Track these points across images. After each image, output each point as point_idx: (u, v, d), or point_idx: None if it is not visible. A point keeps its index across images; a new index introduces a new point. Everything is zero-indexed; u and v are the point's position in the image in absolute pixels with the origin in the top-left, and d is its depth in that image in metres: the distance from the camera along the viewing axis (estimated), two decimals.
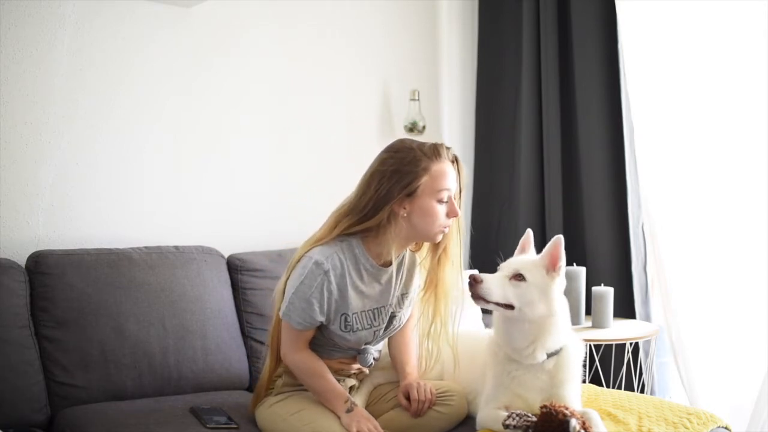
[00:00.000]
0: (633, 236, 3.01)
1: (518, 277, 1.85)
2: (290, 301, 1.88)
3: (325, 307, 1.88)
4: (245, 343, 2.52)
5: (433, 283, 1.98)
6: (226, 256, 2.62)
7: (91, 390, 2.19)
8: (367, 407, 2.04)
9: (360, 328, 1.94)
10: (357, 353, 2.01)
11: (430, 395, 1.96)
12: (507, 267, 1.89)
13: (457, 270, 1.96)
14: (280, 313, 1.92)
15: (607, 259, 3.05)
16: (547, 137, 3.20)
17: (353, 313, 1.92)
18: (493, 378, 1.95)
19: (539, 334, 1.86)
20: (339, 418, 1.88)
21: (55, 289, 2.21)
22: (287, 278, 1.94)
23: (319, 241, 1.93)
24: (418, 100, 3.23)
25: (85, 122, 2.49)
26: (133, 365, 2.25)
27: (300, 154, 3.01)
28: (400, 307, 2.03)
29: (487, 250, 3.33)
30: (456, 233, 1.96)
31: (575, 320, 2.76)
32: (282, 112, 2.97)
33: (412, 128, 3.21)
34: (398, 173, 1.86)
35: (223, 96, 2.80)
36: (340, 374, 2.02)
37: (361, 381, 2.09)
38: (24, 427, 2.05)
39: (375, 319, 1.97)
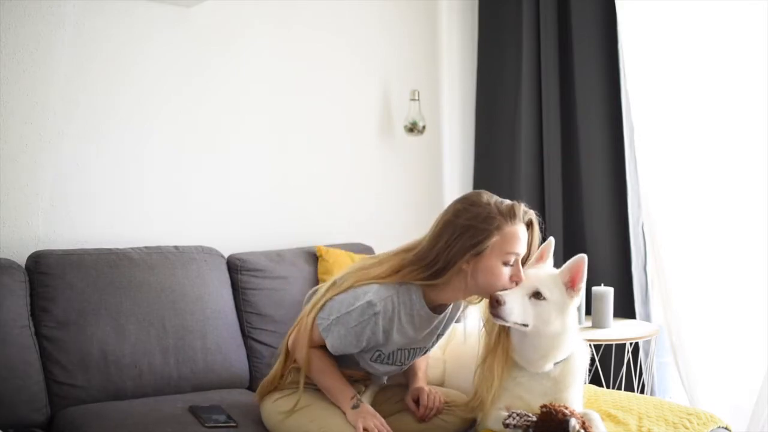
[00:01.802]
0: (633, 236, 3.01)
1: (538, 295, 1.82)
2: (332, 323, 1.86)
3: (364, 343, 1.86)
4: (245, 343, 2.52)
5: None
6: (226, 256, 2.62)
7: (91, 390, 2.19)
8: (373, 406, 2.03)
9: (391, 363, 1.94)
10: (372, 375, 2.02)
11: (439, 403, 1.95)
12: (526, 284, 1.83)
13: None
14: (320, 327, 1.89)
15: (607, 259, 3.05)
16: (547, 137, 3.20)
17: (390, 351, 1.91)
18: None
19: (551, 348, 1.85)
20: (345, 414, 1.87)
21: (55, 289, 2.21)
22: (330, 292, 1.91)
23: (378, 278, 1.87)
24: (418, 100, 3.23)
25: (85, 122, 2.49)
26: (133, 365, 2.25)
27: (300, 154, 3.01)
28: (434, 345, 2.02)
29: None
30: None
31: None
32: (282, 112, 2.97)
33: (412, 128, 3.21)
34: (471, 229, 1.80)
35: (223, 96, 2.80)
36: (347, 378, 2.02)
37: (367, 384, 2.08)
38: (24, 427, 2.05)
39: (409, 356, 1.96)
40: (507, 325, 1.83)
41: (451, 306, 1.96)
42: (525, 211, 1.86)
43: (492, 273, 1.81)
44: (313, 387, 1.97)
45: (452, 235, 1.82)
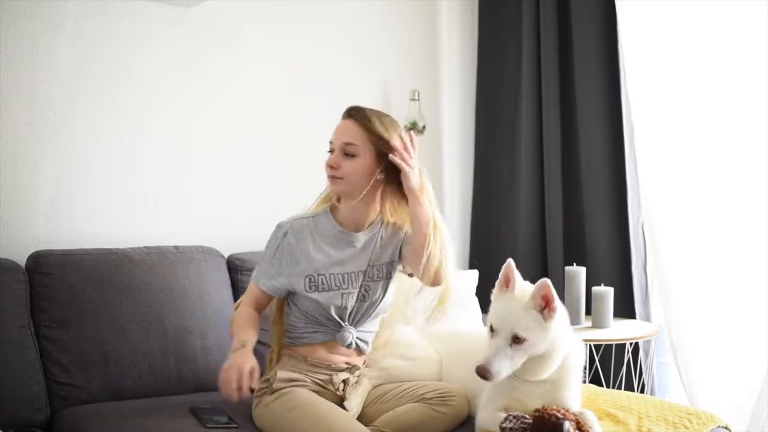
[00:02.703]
0: (633, 236, 3.01)
1: (517, 339, 1.81)
2: (259, 264, 2.06)
3: (285, 268, 2.00)
4: None
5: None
6: (226, 256, 2.62)
7: (91, 390, 2.19)
8: (365, 408, 2.04)
9: (326, 288, 2.00)
10: (336, 333, 2.02)
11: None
12: (502, 329, 1.82)
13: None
14: (252, 281, 2.06)
15: (607, 259, 3.05)
16: (547, 137, 3.20)
17: (319, 275, 2.00)
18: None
19: (545, 364, 1.85)
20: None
21: (55, 289, 2.21)
22: None
23: None
24: (418, 100, 3.23)
25: (85, 122, 2.49)
26: (133, 365, 2.25)
27: (300, 154, 3.01)
28: (374, 280, 2.05)
29: (487, 251, 3.34)
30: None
31: (575, 320, 2.76)
32: (282, 112, 2.97)
33: (412, 128, 3.21)
34: None
35: (223, 96, 2.80)
36: (331, 369, 2.03)
37: (357, 377, 2.08)
38: (24, 427, 2.05)
39: (344, 282, 2.02)
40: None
41: (378, 229, 2.08)
42: (350, 107, 2.07)
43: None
44: (302, 385, 1.99)
45: None
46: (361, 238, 2.06)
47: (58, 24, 2.41)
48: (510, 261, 1.91)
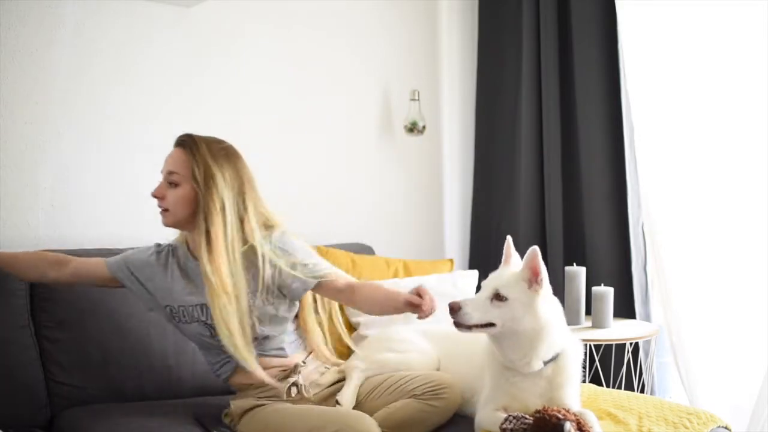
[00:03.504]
0: (633, 236, 3.01)
1: (499, 297, 1.83)
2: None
3: (144, 279, 2.02)
4: None
5: None
6: None
7: (91, 390, 2.19)
8: (357, 404, 2.04)
9: (187, 320, 2.00)
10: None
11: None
12: (487, 286, 1.87)
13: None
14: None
15: (607, 259, 3.05)
16: (547, 137, 3.20)
17: (179, 305, 2.00)
18: (492, 380, 1.95)
19: (531, 345, 1.85)
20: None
21: (55, 289, 2.21)
22: None
23: None
24: (418, 100, 3.23)
25: (84, 122, 2.49)
26: (134, 365, 2.25)
27: (299, 154, 3.01)
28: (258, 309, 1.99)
29: (487, 250, 3.34)
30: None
31: (575, 320, 2.76)
32: (281, 112, 2.97)
33: (412, 128, 3.21)
34: None
35: (223, 96, 2.80)
36: (271, 385, 2.02)
37: (299, 375, 2.06)
38: (24, 428, 2.05)
39: (203, 313, 1.99)
40: (473, 333, 1.84)
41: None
42: (180, 135, 2.03)
43: None
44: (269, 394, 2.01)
45: None
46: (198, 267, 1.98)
47: (57, 24, 2.41)
48: (508, 238, 1.96)
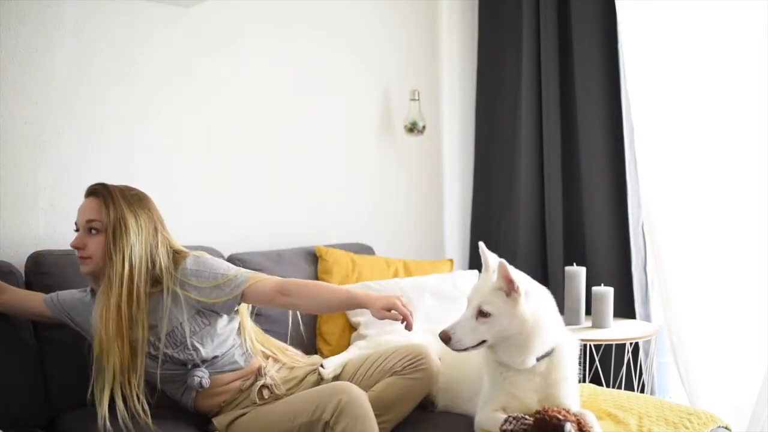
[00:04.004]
0: (633, 236, 3.01)
1: (483, 313, 1.86)
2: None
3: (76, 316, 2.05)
4: None
5: None
6: (226, 256, 2.61)
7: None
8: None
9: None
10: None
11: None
12: (470, 303, 1.90)
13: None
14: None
15: (607, 259, 3.05)
16: (547, 137, 3.20)
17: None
18: (489, 379, 1.96)
19: (523, 345, 1.87)
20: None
21: (55, 289, 2.20)
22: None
23: None
24: (418, 100, 3.23)
25: (84, 122, 2.48)
26: None
27: (300, 154, 3.01)
28: (168, 346, 1.99)
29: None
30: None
31: (575, 320, 2.76)
32: (281, 112, 2.96)
33: (412, 128, 3.21)
34: None
35: (223, 96, 2.80)
36: (241, 391, 2.05)
37: (270, 377, 2.08)
38: (24, 428, 2.05)
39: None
40: (470, 352, 1.89)
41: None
42: (91, 185, 2.02)
43: None
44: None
45: None
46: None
47: (57, 24, 2.41)
48: (480, 244, 1.99)
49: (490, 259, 1.94)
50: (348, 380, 2.06)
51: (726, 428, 2.01)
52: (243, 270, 2.04)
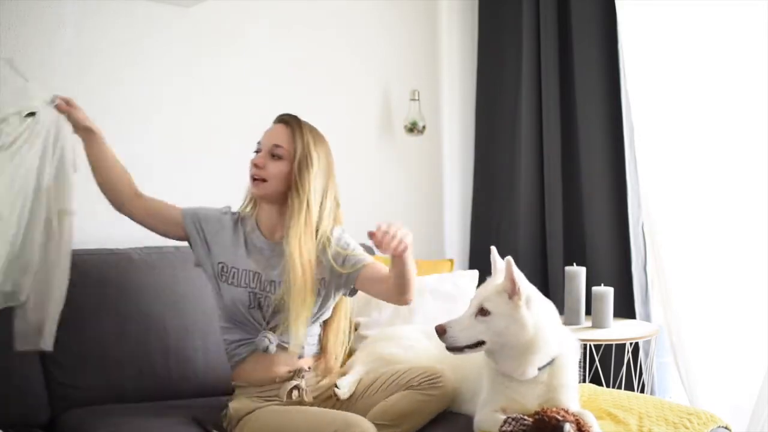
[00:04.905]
0: (633, 236, 3.01)
1: (483, 311, 1.84)
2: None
3: (209, 233, 2.06)
4: None
5: None
6: None
7: (91, 390, 2.19)
8: (353, 401, 2.05)
9: (235, 283, 2.01)
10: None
11: (397, 231, 1.90)
12: (473, 301, 1.89)
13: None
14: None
15: (607, 259, 3.05)
16: (547, 137, 3.20)
17: (232, 267, 2.02)
18: (489, 382, 1.95)
19: (524, 355, 1.85)
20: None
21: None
22: None
23: None
24: (418, 100, 3.23)
25: None
26: (134, 366, 2.25)
27: None
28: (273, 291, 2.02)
29: (487, 251, 3.31)
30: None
31: (575, 320, 2.76)
32: (281, 112, 2.96)
33: (412, 128, 3.21)
34: None
35: (223, 96, 2.80)
36: (276, 382, 2.03)
37: (303, 378, 2.06)
38: (24, 427, 2.05)
39: (253, 281, 2.01)
40: (464, 354, 1.86)
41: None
42: (284, 113, 2.10)
43: None
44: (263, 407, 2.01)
45: None
46: (275, 246, 2.05)
47: (58, 24, 2.41)
48: (492, 249, 1.99)
49: (499, 263, 1.93)
50: (362, 393, 2.05)
51: (726, 428, 2.01)
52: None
